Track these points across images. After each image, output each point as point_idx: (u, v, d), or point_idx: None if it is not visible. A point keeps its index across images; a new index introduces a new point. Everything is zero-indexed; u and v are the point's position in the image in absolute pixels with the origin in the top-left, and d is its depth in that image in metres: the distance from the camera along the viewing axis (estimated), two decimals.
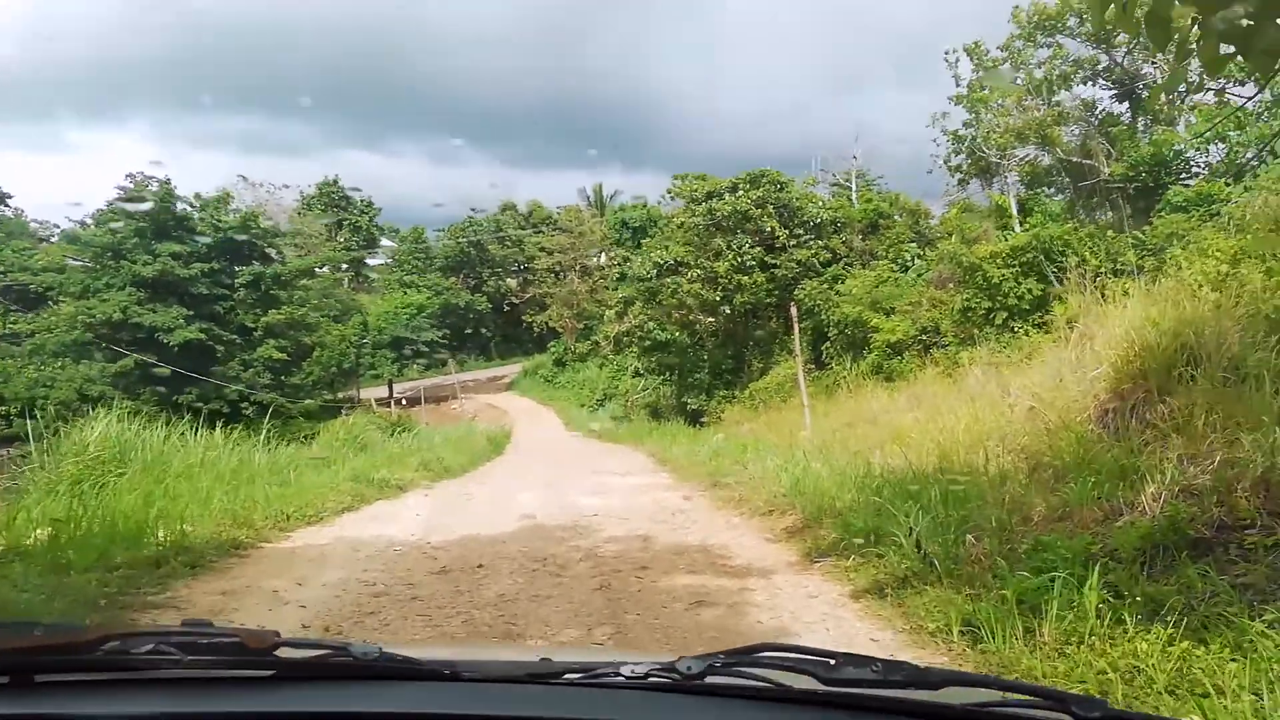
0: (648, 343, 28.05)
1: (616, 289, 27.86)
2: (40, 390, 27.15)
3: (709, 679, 1.10)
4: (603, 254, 54.84)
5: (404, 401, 42.24)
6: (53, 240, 37.69)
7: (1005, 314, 17.15)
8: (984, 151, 22.95)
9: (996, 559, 5.06)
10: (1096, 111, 23.83)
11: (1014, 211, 22.46)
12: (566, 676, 1.14)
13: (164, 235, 31.64)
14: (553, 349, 54.37)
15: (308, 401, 41.41)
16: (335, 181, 67.30)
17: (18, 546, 5.66)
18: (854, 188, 30.16)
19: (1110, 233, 18.72)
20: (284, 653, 1.16)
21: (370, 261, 69.69)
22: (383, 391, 48.30)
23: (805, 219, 23.93)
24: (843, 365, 20.92)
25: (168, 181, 31.98)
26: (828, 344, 22.07)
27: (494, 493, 11.34)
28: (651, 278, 24.67)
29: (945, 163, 24.45)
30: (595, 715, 1.08)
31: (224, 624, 1.31)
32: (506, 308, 62.47)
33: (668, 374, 29.42)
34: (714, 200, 23.56)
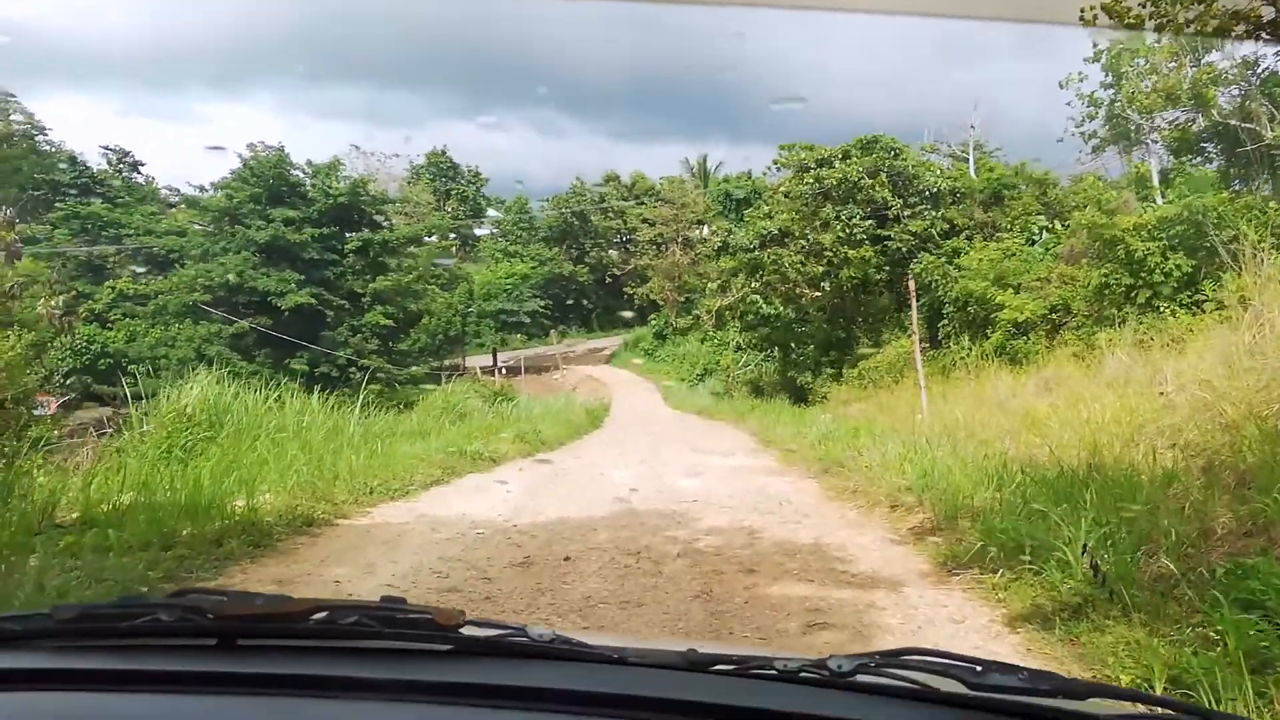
0: (750, 317, 27.10)
1: (718, 260, 26.91)
2: (163, 350, 28.29)
3: (859, 677, 1.11)
4: (705, 226, 53.78)
5: (504, 371, 42.53)
6: (178, 205, 39.14)
7: (1149, 292, 15.57)
8: (1126, 115, 21.01)
9: (1181, 584, 4.17)
10: (1258, 71, 21.48)
11: (1155, 182, 20.52)
12: (719, 667, 1.17)
13: (278, 201, 32.44)
14: (653, 322, 53.87)
15: (415, 368, 42.34)
16: (444, 152, 68.23)
17: (89, 516, 5.37)
18: (972, 159, 28.30)
19: (1273, 205, 16.76)
20: (468, 631, 1.23)
21: (477, 232, 70.81)
22: (487, 360, 48.87)
23: (921, 188, 22.46)
24: (961, 345, 19.55)
25: (282, 149, 32.71)
26: (945, 321, 20.70)
27: (588, 469, 10.81)
28: (755, 248, 23.67)
29: (1078, 128, 22.58)
30: (750, 704, 1.08)
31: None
32: (608, 279, 62.16)
33: (771, 350, 28.43)
34: (823, 168, 22.34)
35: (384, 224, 35.14)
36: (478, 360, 48.51)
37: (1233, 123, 20.25)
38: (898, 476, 7.84)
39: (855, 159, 21.89)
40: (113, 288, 36.29)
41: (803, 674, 1.13)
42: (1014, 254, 19.64)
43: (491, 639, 1.24)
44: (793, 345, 26.40)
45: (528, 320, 50.49)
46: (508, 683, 1.14)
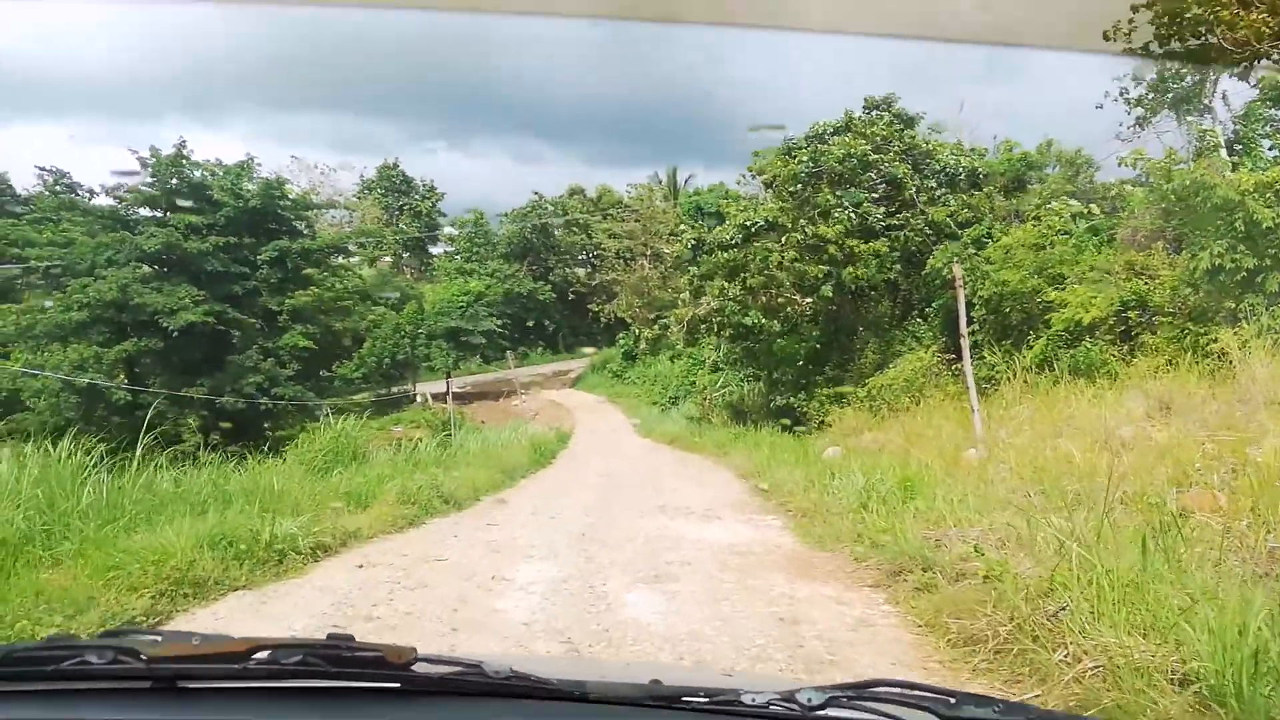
0: (729, 330, 22.92)
1: (692, 263, 22.68)
2: (24, 381, 23.59)
3: (829, 710, 1.08)
4: (674, 240, 49.89)
5: (448, 398, 38.25)
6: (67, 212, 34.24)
7: None
8: (1183, 72, 17.17)
9: None
10: None
11: (1224, 155, 16.66)
12: (688, 700, 1.13)
13: (177, 206, 27.90)
14: (622, 341, 49.66)
15: (361, 396, 37.79)
16: (395, 165, 64.02)
17: None
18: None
19: None
20: (421, 668, 1.17)
21: (433, 250, 66.31)
22: (442, 387, 44.49)
23: (940, 168, 18.48)
24: (996, 354, 15.49)
25: (183, 144, 28.15)
26: (973, 326, 16.62)
27: (479, 563, 6.49)
28: (736, 244, 19.49)
29: (1122, 94, 18.76)
30: None
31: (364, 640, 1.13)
32: (572, 297, 57.94)
33: (754, 367, 24.24)
34: (819, 144, 18.27)
35: (305, 232, 30.63)
36: (432, 387, 44.05)
37: None
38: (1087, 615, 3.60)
39: (860, 129, 17.82)
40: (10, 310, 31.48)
41: (772, 707, 1.10)
42: (1058, 238, 15.60)
43: (446, 676, 1.17)
44: (780, 362, 22.23)
45: (483, 341, 45.94)
46: None
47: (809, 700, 1.08)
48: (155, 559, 5.25)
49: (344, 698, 1.14)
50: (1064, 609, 3.65)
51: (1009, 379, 14.03)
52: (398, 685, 1.14)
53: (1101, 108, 19.14)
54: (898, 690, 1.11)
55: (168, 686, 1.14)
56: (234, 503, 7.27)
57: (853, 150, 17.36)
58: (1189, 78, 17.18)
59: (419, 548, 7.15)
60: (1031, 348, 14.85)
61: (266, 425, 28.80)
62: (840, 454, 13.76)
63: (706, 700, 1.11)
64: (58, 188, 42.05)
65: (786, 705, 1.08)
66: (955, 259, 13.10)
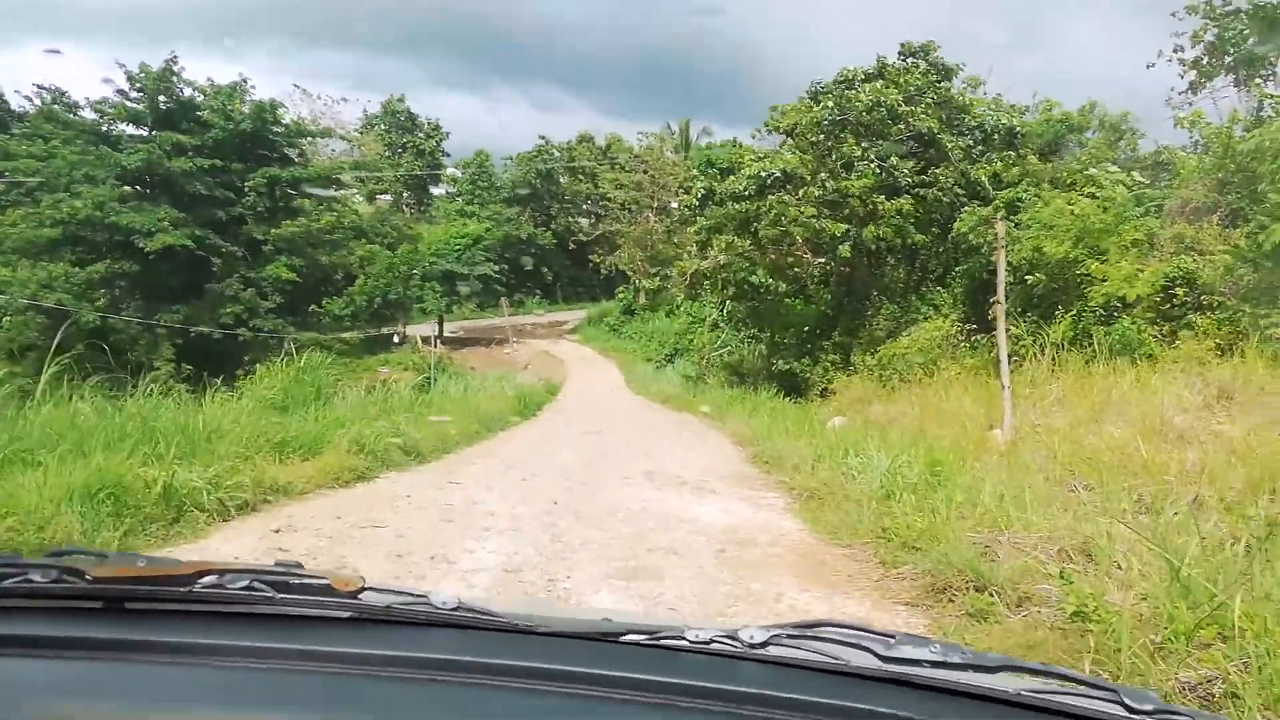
0: (733, 288, 21.67)
1: (698, 217, 21.27)
2: None
3: (771, 649, 1.10)
4: (684, 192, 48.33)
5: (437, 343, 37.09)
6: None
7: None
8: (1246, 31, 15.80)
9: None
10: None
11: None
12: (631, 638, 1.13)
13: (166, 124, 26.47)
14: (621, 295, 48.34)
15: (351, 334, 36.69)
16: (401, 99, 61.97)
17: None
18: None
19: None
20: (367, 597, 1.18)
21: (436, 191, 64.56)
22: (437, 329, 43.30)
23: (975, 125, 17.09)
24: (1021, 327, 14.30)
25: (174, 59, 26.61)
26: (994, 298, 15.40)
27: (423, 535, 5.37)
28: (749, 195, 18.15)
29: (1176, 53, 17.38)
30: (660, 676, 1.03)
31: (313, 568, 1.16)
32: (573, 246, 56.41)
33: (757, 328, 23.06)
34: (847, 90, 16.85)
35: (298, 160, 29.20)
36: (424, 330, 42.85)
37: None
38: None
39: (893, 76, 16.35)
40: None
41: (714, 644, 1.11)
42: (1104, 205, 14.31)
43: (392, 606, 1.17)
44: (786, 324, 21.05)
45: (479, 286, 44.56)
46: (409, 653, 1.07)
47: (751, 638, 1.10)
48: (1, 511, 4.13)
49: (290, 624, 1.12)
50: (1216, 678, 2.54)
51: (1035, 355, 12.86)
52: (345, 614, 1.14)
53: (1154, 66, 17.77)
54: (839, 631, 1.14)
55: (114, 607, 1.14)
56: (146, 443, 6.14)
57: (883, 98, 15.93)
58: (1253, 39, 15.79)
59: (359, 509, 6.03)
60: (1059, 322, 13.65)
61: (247, 358, 27.59)
62: (846, 424, 12.67)
63: (651, 637, 1.12)
64: (55, 106, 40.40)
65: (729, 642, 1.10)
66: (999, 215, 11.80)
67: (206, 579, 1.15)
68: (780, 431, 11.98)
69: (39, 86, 29.53)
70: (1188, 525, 5.28)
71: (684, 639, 1.11)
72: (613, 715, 1.00)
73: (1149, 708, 1.01)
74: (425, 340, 40.01)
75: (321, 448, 7.98)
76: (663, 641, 1.11)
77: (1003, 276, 10.21)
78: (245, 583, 1.16)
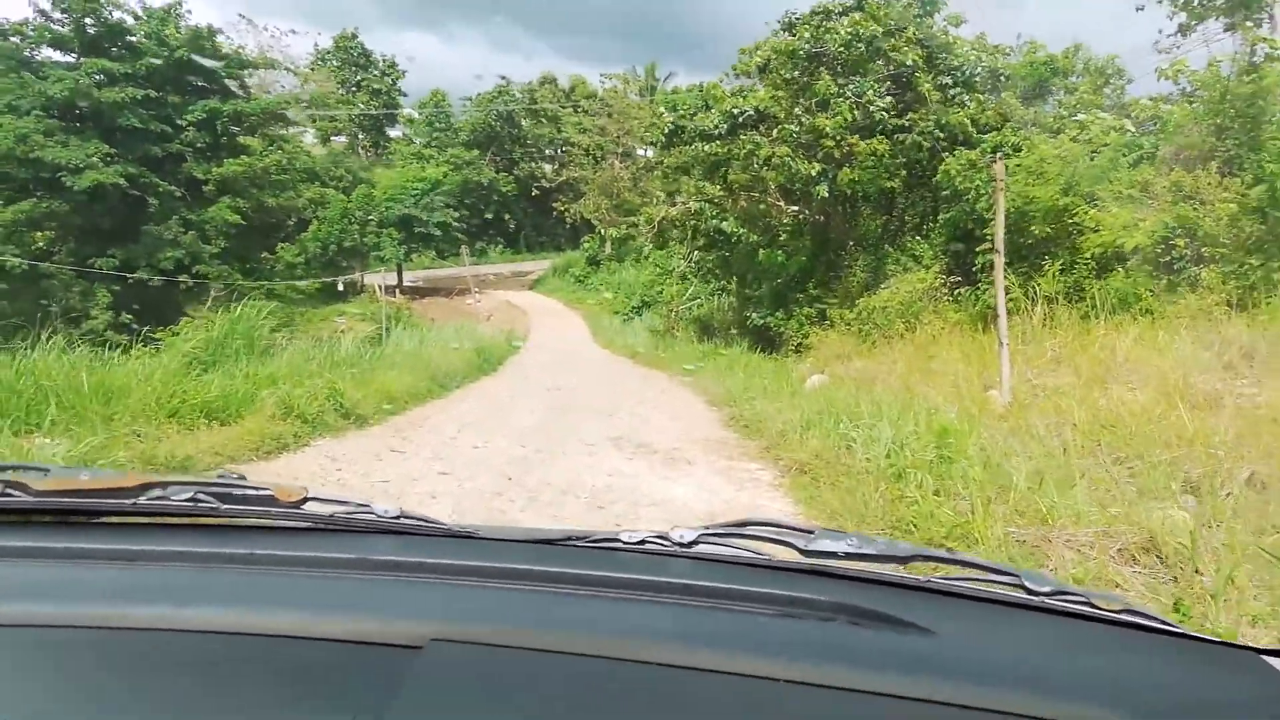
0: (703, 237, 20.72)
1: (666, 154, 20.04)
2: None
3: (700, 546, 1.14)
4: (648, 150, 46.90)
5: (391, 291, 35.70)
6: None
7: None
8: None
9: None
10: None
11: None
12: (571, 542, 1.17)
13: (95, 51, 24.53)
14: (586, 245, 47.09)
15: (306, 284, 35.24)
16: (354, 35, 59.28)
17: None
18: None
19: None
20: (311, 507, 1.20)
21: (392, 134, 62.17)
22: (396, 278, 41.78)
23: (957, 64, 16.14)
24: (1011, 279, 13.54)
25: None
26: (983, 246, 14.66)
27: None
28: (720, 135, 17.09)
29: None
30: (597, 572, 1.06)
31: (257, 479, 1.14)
32: (536, 193, 54.76)
33: (726, 280, 22.18)
34: (825, 22, 15.77)
35: (239, 93, 27.40)
36: (383, 279, 41.33)
37: None
38: None
39: (872, 10, 15.29)
40: None
41: (647, 544, 1.15)
42: (1097, 150, 13.52)
43: (335, 514, 1.20)
44: (759, 275, 20.19)
45: (438, 234, 42.96)
46: (351, 555, 1.08)
47: (682, 537, 1.14)
48: None
49: (235, 533, 1.14)
50: None
51: (1027, 309, 12.14)
52: (289, 524, 1.16)
53: (1143, 9, 16.89)
54: (762, 528, 1.17)
55: (60, 521, 1.15)
56: (19, 408, 5.11)
57: (862, 31, 14.89)
58: None
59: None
60: (1047, 273, 12.93)
61: (189, 309, 26.06)
62: (825, 382, 11.90)
63: (588, 540, 1.15)
64: None
65: (660, 542, 1.14)
66: (999, 153, 10.91)
67: (151, 491, 1.17)
68: (758, 390, 11.17)
69: None
70: (1244, 508, 4.53)
71: (619, 540, 1.15)
72: (552, 607, 0.98)
73: (1047, 589, 1.05)
74: (387, 290, 38.57)
75: (243, 411, 6.98)
76: (601, 544, 1.16)
77: (1001, 220, 9.35)
78: (189, 494, 1.17)
